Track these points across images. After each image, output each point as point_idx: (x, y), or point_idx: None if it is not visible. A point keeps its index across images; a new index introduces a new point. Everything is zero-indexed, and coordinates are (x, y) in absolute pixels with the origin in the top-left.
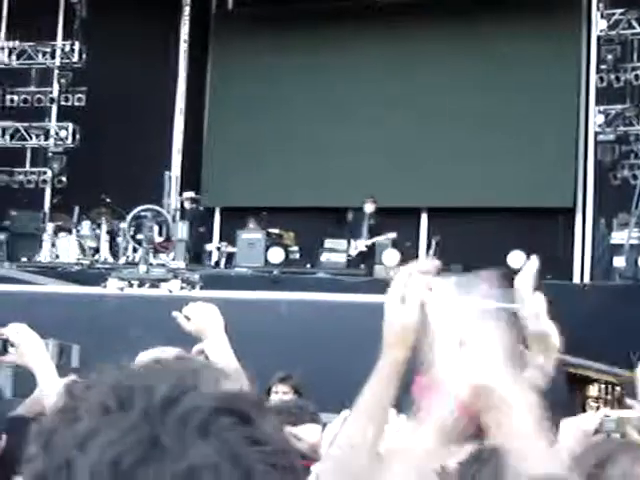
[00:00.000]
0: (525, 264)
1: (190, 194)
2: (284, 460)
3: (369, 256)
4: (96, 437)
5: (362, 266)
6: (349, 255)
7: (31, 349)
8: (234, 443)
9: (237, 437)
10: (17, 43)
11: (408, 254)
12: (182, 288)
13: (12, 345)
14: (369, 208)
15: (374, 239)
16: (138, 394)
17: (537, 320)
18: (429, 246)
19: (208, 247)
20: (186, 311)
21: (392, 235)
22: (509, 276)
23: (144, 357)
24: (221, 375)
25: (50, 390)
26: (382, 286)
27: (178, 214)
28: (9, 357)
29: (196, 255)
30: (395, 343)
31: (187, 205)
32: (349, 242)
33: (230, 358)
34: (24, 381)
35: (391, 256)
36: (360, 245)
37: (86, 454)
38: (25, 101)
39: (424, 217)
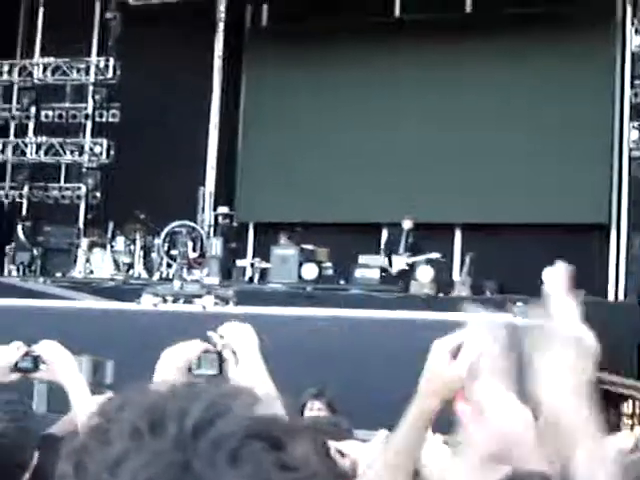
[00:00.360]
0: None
1: (224, 209)
2: None
3: (407, 273)
4: (127, 461)
5: (400, 283)
6: (383, 272)
7: (62, 366)
8: (265, 469)
9: (268, 463)
10: (52, 59)
11: (442, 270)
12: (216, 304)
13: (43, 362)
14: (407, 225)
15: (416, 257)
16: (170, 418)
17: (569, 325)
18: (463, 262)
19: (241, 263)
20: (221, 331)
21: (436, 255)
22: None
23: (169, 352)
24: (254, 399)
25: (82, 408)
26: (416, 302)
27: (212, 230)
28: (40, 374)
29: (228, 271)
30: (432, 394)
31: (220, 220)
32: (390, 259)
33: (264, 379)
34: (59, 397)
35: (425, 273)
36: (401, 263)
37: (117, 478)
38: (60, 117)
39: (458, 233)
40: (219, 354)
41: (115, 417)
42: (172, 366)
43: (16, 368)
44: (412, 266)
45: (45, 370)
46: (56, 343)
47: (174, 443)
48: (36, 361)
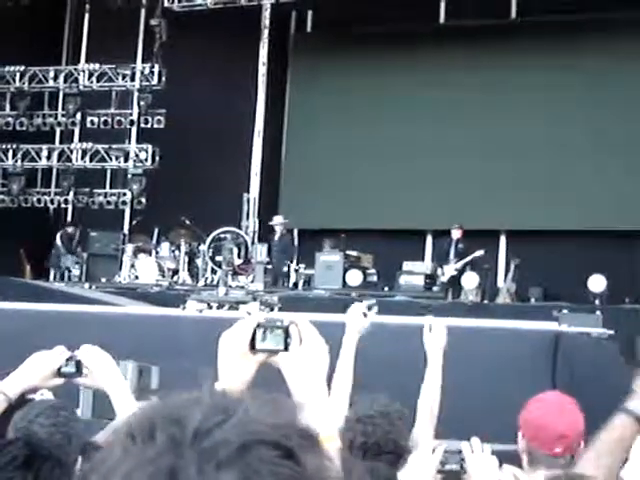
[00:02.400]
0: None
1: (280, 218)
2: None
3: (454, 281)
4: (119, 467)
5: (450, 290)
6: (428, 279)
7: (105, 371)
8: (264, 477)
9: (269, 472)
10: (97, 66)
11: (487, 277)
12: (261, 310)
13: (86, 367)
14: (456, 234)
15: (463, 261)
16: (166, 425)
17: None
18: (508, 269)
19: (286, 269)
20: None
21: (480, 252)
22: (590, 300)
23: (227, 335)
24: (267, 406)
25: (124, 413)
26: (461, 309)
27: (257, 236)
28: (83, 379)
29: (287, 276)
30: None
31: (278, 229)
32: (441, 268)
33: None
34: (104, 403)
35: (470, 279)
36: (450, 270)
37: None
38: (105, 123)
39: (503, 240)
40: (286, 330)
41: (122, 427)
42: (233, 349)
43: (59, 373)
44: (462, 271)
45: (88, 375)
46: (98, 348)
47: (166, 450)
48: (79, 366)
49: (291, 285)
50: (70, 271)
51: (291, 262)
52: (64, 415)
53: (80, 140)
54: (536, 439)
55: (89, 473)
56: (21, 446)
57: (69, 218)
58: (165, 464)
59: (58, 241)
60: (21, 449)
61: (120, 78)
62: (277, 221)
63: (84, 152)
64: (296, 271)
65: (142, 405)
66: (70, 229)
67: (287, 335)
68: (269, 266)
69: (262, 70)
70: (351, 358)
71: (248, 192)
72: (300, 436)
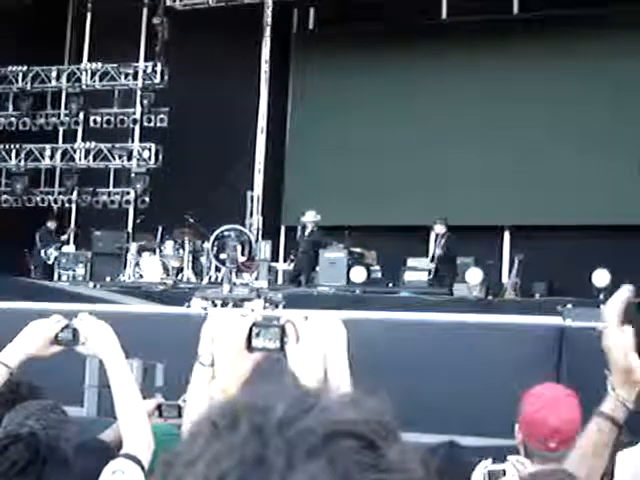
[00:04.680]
0: (616, 292)
1: (312, 214)
2: None
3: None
4: (203, 455)
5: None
6: (431, 275)
7: (101, 339)
8: (348, 467)
9: (354, 461)
10: (100, 65)
11: (491, 272)
12: (265, 308)
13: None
14: (440, 229)
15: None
16: (251, 413)
17: (625, 355)
18: (512, 264)
19: (284, 266)
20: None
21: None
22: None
23: (214, 320)
24: (347, 398)
25: (117, 380)
26: (465, 305)
27: (261, 233)
28: (80, 347)
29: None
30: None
31: (309, 226)
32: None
33: (319, 367)
34: (108, 401)
35: (474, 274)
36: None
37: (192, 472)
38: (108, 122)
39: (507, 235)
40: (282, 328)
41: (202, 419)
42: (230, 347)
43: (56, 340)
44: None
45: (85, 343)
46: (93, 317)
47: (251, 437)
48: (76, 334)
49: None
50: (49, 259)
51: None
52: (54, 417)
53: (83, 139)
54: (531, 434)
55: (172, 462)
56: (22, 449)
57: (73, 217)
58: (252, 451)
59: (37, 238)
60: (22, 452)
61: (123, 77)
62: (309, 217)
63: (87, 151)
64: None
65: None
66: (50, 223)
67: (283, 334)
68: (274, 264)
69: (264, 68)
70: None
71: (252, 190)
72: (381, 427)
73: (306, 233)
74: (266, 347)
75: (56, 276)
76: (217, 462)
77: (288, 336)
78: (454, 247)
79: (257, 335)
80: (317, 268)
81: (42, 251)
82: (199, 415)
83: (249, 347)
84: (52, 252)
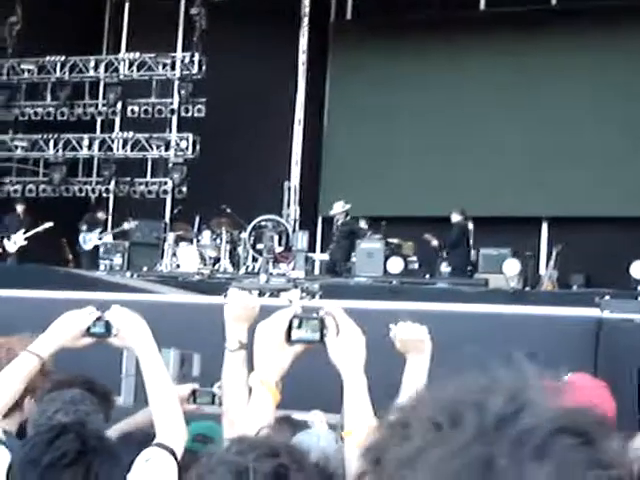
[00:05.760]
0: None
1: (341, 204)
2: None
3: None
4: (427, 455)
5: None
6: (469, 267)
7: (134, 331)
8: (574, 466)
9: (577, 460)
10: (138, 55)
11: (529, 264)
12: (302, 298)
13: (116, 327)
14: (455, 218)
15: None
16: (470, 411)
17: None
18: (550, 256)
19: (322, 257)
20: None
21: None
22: (632, 286)
23: (264, 325)
24: (554, 390)
25: (151, 373)
26: (502, 297)
27: (298, 224)
28: (112, 340)
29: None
30: None
31: (341, 217)
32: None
33: (359, 355)
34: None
35: (511, 266)
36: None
37: (417, 473)
38: (146, 112)
39: (545, 227)
40: (321, 320)
41: (413, 412)
42: (270, 340)
43: (88, 333)
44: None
45: (117, 335)
46: (126, 309)
47: (475, 437)
48: (108, 326)
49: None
50: (84, 243)
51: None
52: (83, 410)
53: (121, 129)
54: None
55: (379, 458)
56: (72, 439)
57: (110, 207)
58: (478, 453)
59: (82, 225)
60: (72, 443)
61: (160, 67)
62: (338, 209)
63: (125, 141)
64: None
65: (424, 393)
66: (100, 214)
67: (322, 326)
68: (311, 254)
69: (302, 58)
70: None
71: (289, 180)
72: (595, 421)
73: (339, 224)
74: (306, 339)
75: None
76: (445, 463)
77: (328, 328)
78: (464, 235)
79: (297, 327)
80: (353, 258)
81: (82, 235)
82: (399, 408)
83: (289, 339)
84: (92, 237)
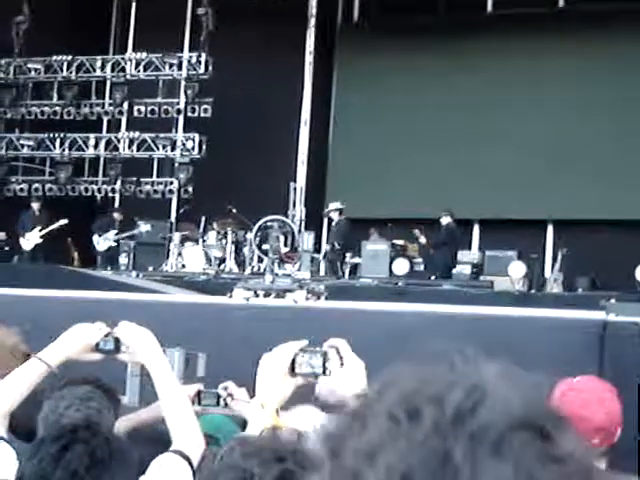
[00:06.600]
0: None
1: (337, 205)
2: None
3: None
4: (385, 450)
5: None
6: (475, 268)
7: (144, 347)
8: (530, 462)
9: (533, 455)
10: (144, 55)
11: (534, 266)
12: (307, 299)
13: (125, 344)
14: (445, 221)
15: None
16: (428, 404)
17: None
18: (555, 258)
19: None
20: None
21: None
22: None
23: (269, 357)
24: (513, 383)
25: (163, 388)
26: (508, 299)
27: (303, 225)
28: (122, 356)
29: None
30: None
31: (335, 217)
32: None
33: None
34: (151, 390)
35: (517, 268)
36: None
37: (373, 468)
38: (152, 112)
39: (550, 229)
40: (324, 354)
41: (372, 403)
42: (274, 371)
43: (97, 349)
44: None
45: (127, 352)
46: (134, 324)
47: (433, 432)
48: (117, 343)
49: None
50: (98, 244)
51: (344, 248)
52: (94, 406)
53: (127, 129)
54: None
55: (339, 449)
56: (81, 453)
57: (116, 207)
58: (436, 448)
59: (96, 225)
60: (82, 458)
61: (167, 67)
62: (332, 207)
63: (131, 141)
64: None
65: (385, 378)
66: (116, 215)
67: (325, 359)
68: (316, 255)
69: (309, 59)
70: None
71: (295, 181)
72: (553, 415)
73: (332, 224)
74: (309, 373)
75: (99, 264)
76: (402, 459)
77: (331, 361)
78: (451, 237)
79: (301, 360)
80: (352, 259)
81: (96, 235)
82: (358, 398)
83: (292, 372)
84: (106, 238)
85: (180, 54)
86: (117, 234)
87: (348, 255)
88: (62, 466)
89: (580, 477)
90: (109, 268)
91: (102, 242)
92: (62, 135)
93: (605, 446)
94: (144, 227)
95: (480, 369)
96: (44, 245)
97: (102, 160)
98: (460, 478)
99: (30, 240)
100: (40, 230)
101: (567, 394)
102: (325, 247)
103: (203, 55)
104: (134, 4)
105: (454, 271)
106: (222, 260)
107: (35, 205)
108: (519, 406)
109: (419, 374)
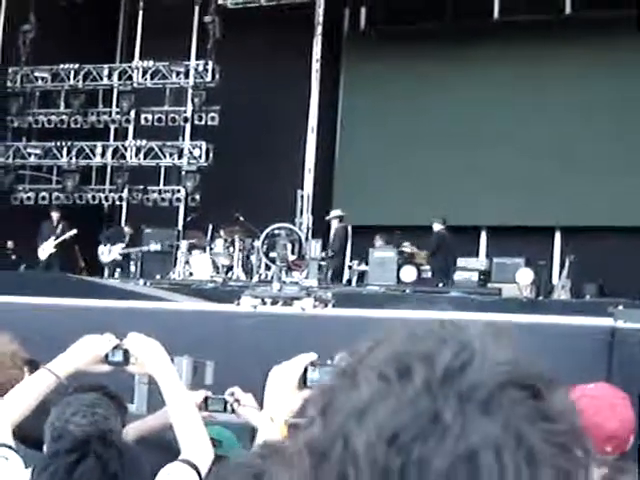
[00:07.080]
0: None
1: (337, 212)
2: (574, 441)
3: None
4: (374, 408)
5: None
6: (482, 275)
7: (153, 359)
8: (519, 420)
9: (523, 413)
10: (151, 63)
11: (542, 273)
12: (315, 306)
13: (134, 356)
14: (436, 227)
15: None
16: (418, 363)
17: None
18: (563, 265)
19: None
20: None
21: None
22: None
23: (278, 371)
24: (507, 340)
25: (173, 398)
26: (515, 306)
27: (311, 232)
28: (131, 368)
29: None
30: None
31: (335, 224)
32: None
33: None
34: (159, 398)
35: (525, 275)
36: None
37: (363, 426)
38: (159, 120)
39: (558, 236)
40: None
41: (363, 361)
42: (284, 384)
43: (106, 361)
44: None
45: (136, 364)
46: (143, 336)
47: (422, 390)
48: (126, 355)
49: (345, 281)
50: (102, 254)
51: (338, 255)
52: (101, 413)
53: (134, 137)
54: None
55: (330, 406)
56: (93, 467)
57: (123, 215)
58: (426, 406)
59: (104, 236)
60: (93, 472)
61: (174, 75)
62: (333, 214)
63: (138, 149)
64: (350, 267)
65: (376, 340)
66: (127, 228)
67: None
68: (322, 262)
69: (315, 67)
70: None
71: (302, 188)
72: (542, 374)
73: (332, 232)
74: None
75: (106, 273)
76: (392, 417)
77: None
78: (442, 244)
79: (312, 374)
80: (366, 266)
81: (102, 245)
82: (349, 356)
83: (304, 384)
84: (112, 250)
85: (187, 62)
86: (124, 248)
87: (355, 262)
88: (75, 479)
89: (570, 436)
90: (116, 276)
91: (107, 254)
92: (69, 143)
93: (617, 454)
94: (153, 246)
95: (470, 328)
96: (58, 254)
97: (109, 168)
98: (449, 437)
99: (45, 250)
100: (55, 239)
101: (580, 400)
102: (321, 254)
103: (210, 63)
104: (141, 12)
105: (461, 278)
106: (229, 268)
107: (55, 215)
108: (508, 364)
109: (410, 332)
